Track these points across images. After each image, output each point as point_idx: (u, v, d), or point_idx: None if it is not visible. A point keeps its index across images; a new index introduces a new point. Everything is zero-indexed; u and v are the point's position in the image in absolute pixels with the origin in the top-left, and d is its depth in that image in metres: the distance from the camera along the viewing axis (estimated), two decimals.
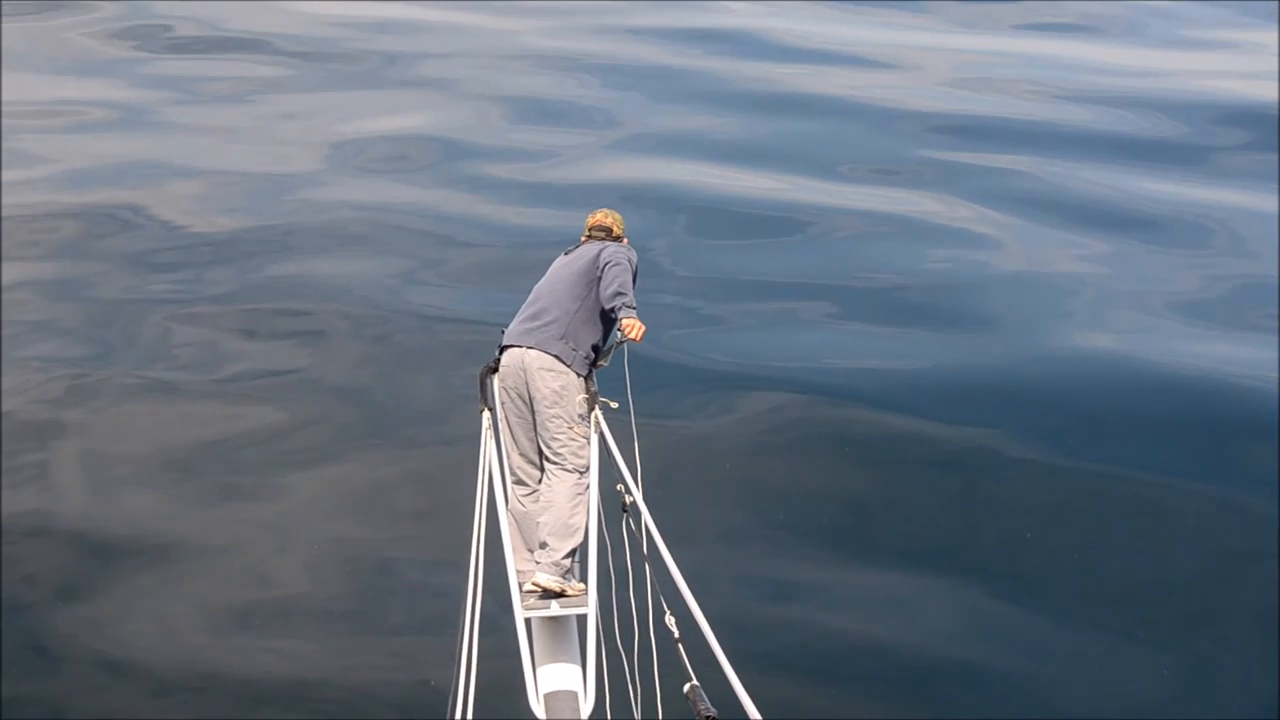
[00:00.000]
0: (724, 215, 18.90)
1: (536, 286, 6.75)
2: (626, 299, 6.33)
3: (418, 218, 18.49)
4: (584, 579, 6.13)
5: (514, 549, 6.18)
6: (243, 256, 16.94)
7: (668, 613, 5.89)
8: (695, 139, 22.62)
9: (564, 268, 6.70)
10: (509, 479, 6.50)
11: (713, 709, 5.13)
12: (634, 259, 6.59)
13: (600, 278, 6.46)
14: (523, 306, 6.68)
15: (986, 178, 20.80)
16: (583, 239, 6.92)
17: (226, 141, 21.94)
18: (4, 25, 28.83)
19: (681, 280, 16.47)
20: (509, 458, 6.54)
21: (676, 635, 5.76)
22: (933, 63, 28.18)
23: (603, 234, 6.88)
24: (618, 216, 6.95)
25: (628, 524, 6.30)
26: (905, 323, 15.47)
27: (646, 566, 6.11)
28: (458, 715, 5.33)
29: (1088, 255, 17.72)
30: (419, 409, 13.12)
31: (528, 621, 5.90)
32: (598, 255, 6.56)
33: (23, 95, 24.12)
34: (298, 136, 22.29)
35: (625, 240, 6.93)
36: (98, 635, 10.04)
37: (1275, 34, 30.45)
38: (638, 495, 6.16)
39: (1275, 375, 14.04)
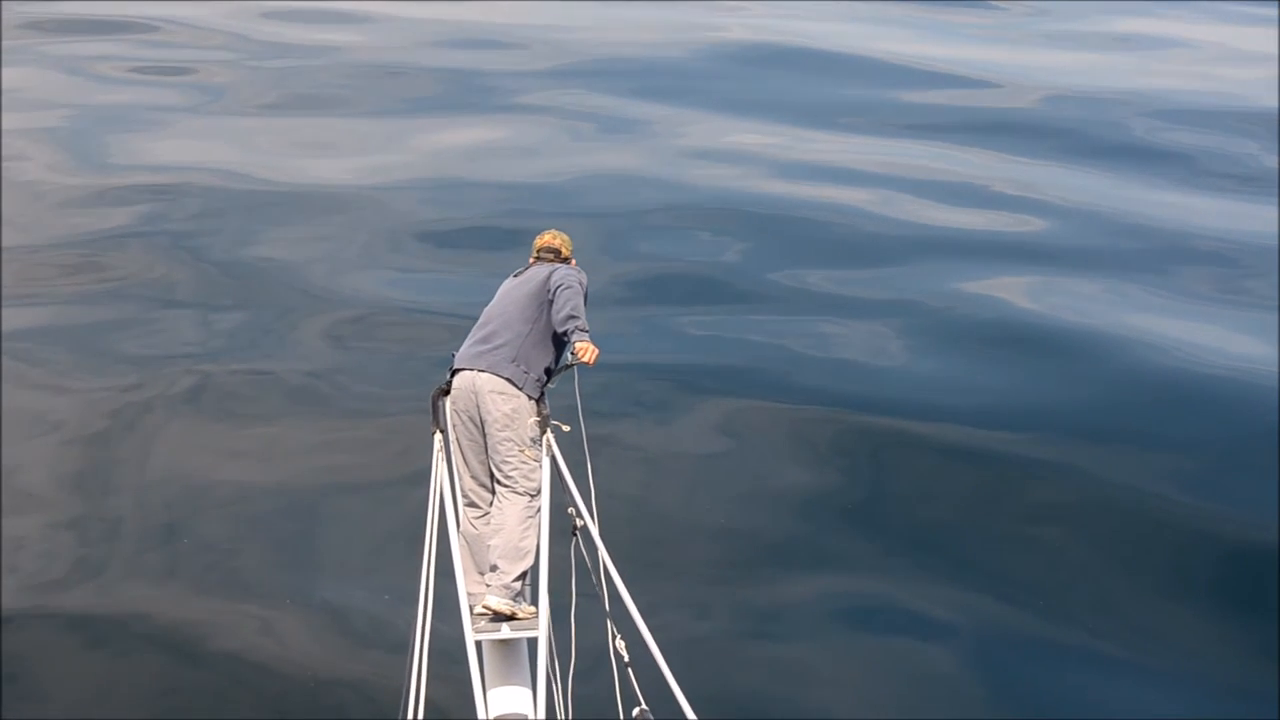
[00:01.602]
0: (796, 228, 19.02)
1: (486, 309, 6.71)
2: (579, 322, 6.32)
3: (497, 235, 18.48)
4: (535, 602, 6.13)
5: (465, 571, 6.18)
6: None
7: (618, 636, 5.89)
8: (763, 151, 22.80)
9: (514, 290, 6.68)
10: (460, 501, 6.49)
11: None
12: (584, 280, 6.57)
13: (552, 300, 6.44)
14: (473, 329, 6.65)
15: (1063, 197, 20.78)
16: (531, 260, 6.89)
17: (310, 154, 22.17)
18: (84, 44, 29.37)
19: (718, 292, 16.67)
20: (460, 480, 6.52)
21: (626, 659, 5.78)
22: (1018, 79, 28.46)
23: (551, 255, 6.84)
24: (566, 238, 6.91)
25: (577, 547, 6.29)
26: (977, 346, 15.30)
27: (603, 589, 6.11)
28: None
29: (1173, 279, 17.70)
30: None
31: (478, 644, 5.90)
32: (548, 277, 6.53)
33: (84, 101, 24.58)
34: (363, 150, 22.47)
35: (574, 261, 6.91)
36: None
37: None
38: (589, 519, 6.15)
39: None
